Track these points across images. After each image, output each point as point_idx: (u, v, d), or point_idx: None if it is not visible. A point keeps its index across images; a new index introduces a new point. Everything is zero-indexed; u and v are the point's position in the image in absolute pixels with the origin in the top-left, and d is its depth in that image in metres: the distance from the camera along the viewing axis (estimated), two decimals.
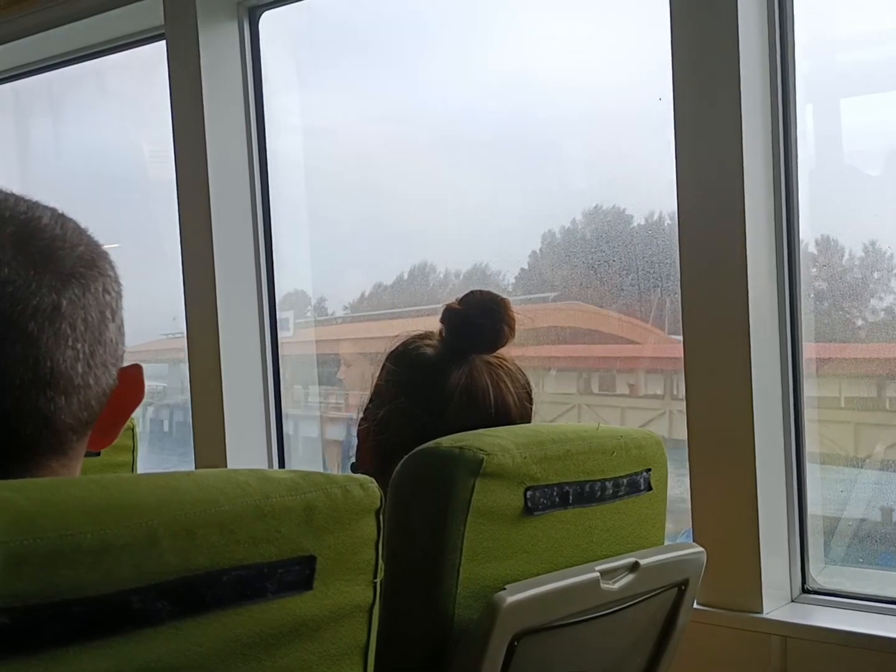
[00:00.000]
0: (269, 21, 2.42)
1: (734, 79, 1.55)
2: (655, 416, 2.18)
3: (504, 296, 1.31)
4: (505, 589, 1.04)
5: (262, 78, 2.37)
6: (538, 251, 2.41)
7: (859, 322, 1.93)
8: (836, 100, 1.97)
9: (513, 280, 2.47)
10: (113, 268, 0.74)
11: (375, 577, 0.78)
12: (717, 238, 1.58)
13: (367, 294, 2.68)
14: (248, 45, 2.35)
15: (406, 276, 2.57)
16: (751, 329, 1.55)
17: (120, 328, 0.74)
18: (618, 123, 2.15)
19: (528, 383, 1.34)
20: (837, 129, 2.01)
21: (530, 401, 1.34)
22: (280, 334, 2.47)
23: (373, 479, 0.77)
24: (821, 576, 1.68)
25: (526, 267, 2.43)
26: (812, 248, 1.94)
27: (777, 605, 1.62)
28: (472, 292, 1.31)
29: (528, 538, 1.14)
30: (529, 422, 1.33)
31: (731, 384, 1.56)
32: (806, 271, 1.68)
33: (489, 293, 1.30)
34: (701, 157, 1.59)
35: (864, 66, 2.03)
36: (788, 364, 1.62)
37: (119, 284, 0.75)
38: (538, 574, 1.13)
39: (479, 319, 1.28)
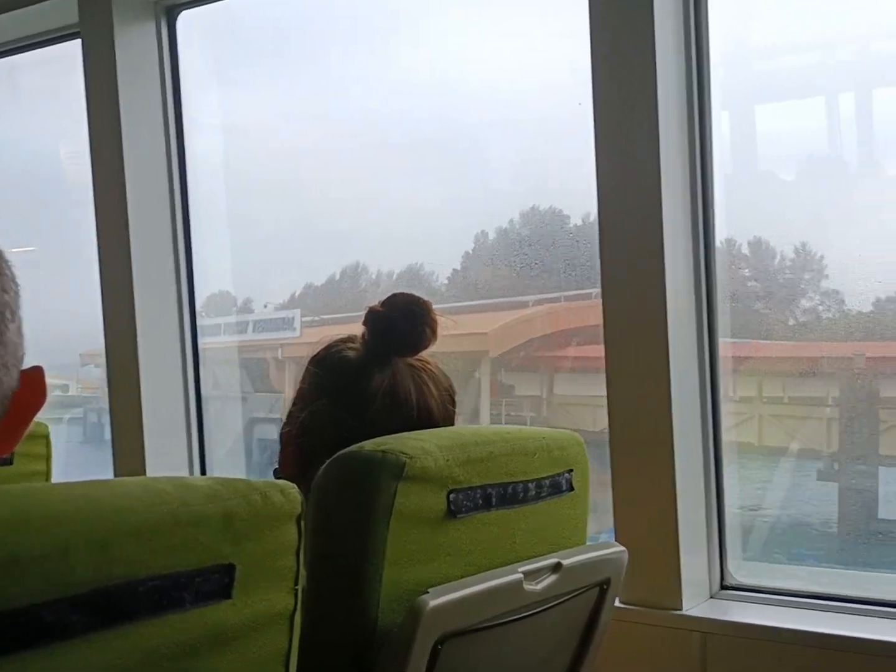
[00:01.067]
0: (188, 21, 2.38)
1: (651, 85, 1.58)
2: None
3: (456, 295, 1.31)
4: (428, 592, 1.03)
5: (179, 77, 2.33)
6: (471, 252, 2.43)
7: (791, 322, 2.00)
8: (750, 106, 2.03)
9: (445, 281, 2.48)
10: (10, 268, 0.72)
11: (296, 584, 0.78)
12: (636, 240, 1.61)
13: (297, 295, 2.66)
14: (166, 44, 2.31)
15: (338, 277, 2.56)
16: (669, 329, 1.58)
17: (19, 329, 0.72)
18: (543, 126, 2.17)
19: (452, 386, 1.34)
20: (752, 135, 2.07)
21: (453, 403, 1.34)
22: (286, 335, 2.43)
23: (294, 485, 0.76)
24: (739, 571, 1.73)
25: (458, 267, 2.45)
26: (745, 250, 2.00)
27: (697, 602, 1.65)
28: (394, 295, 1.31)
29: (451, 541, 1.14)
30: (452, 424, 1.33)
31: (651, 384, 1.59)
32: (723, 272, 1.72)
33: (412, 296, 1.30)
34: (620, 161, 1.62)
35: (778, 73, 2.09)
36: (706, 363, 1.66)
37: (17, 285, 0.72)
38: (462, 577, 1.13)
39: (401, 322, 1.27)
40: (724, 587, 1.71)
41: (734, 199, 1.83)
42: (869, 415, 1.92)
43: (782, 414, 2.05)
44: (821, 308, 2.01)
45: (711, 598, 1.69)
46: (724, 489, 1.69)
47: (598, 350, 1.70)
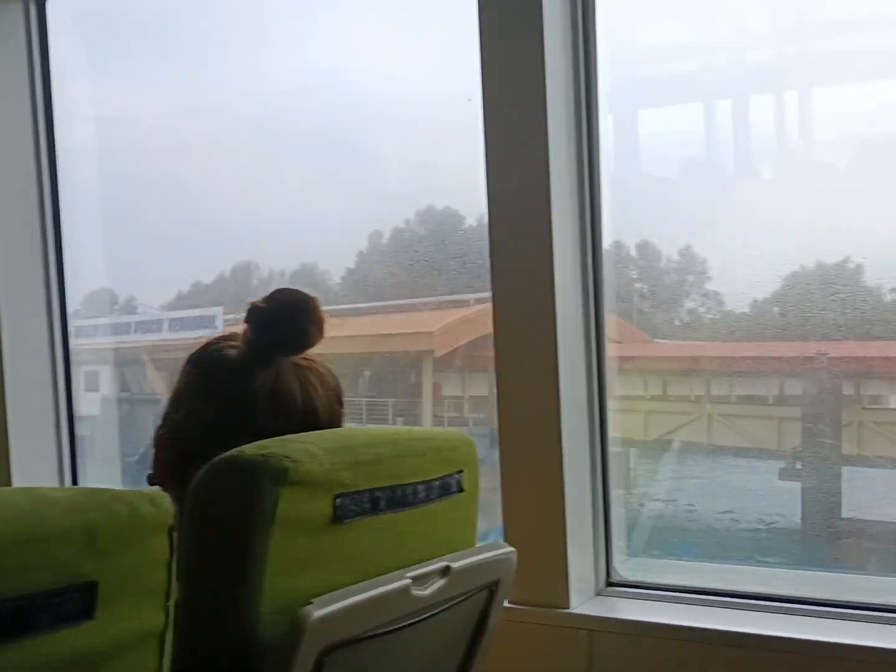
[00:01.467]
0: (59, 6, 2.26)
1: (540, 87, 1.58)
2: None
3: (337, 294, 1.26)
4: (311, 603, 0.99)
5: (49, 65, 2.21)
6: (365, 251, 2.39)
7: (676, 322, 2.04)
8: (634, 110, 2.06)
9: (339, 280, 2.44)
10: None
11: (168, 600, 0.73)
12: (526, 241, 1.61)
13: (184, 293, 2.58)
14: (35, 30, 2.19)
15: (227, 275, 2.49)
16: (557, 330, 1.58)
17: None
18: (439, 125, 2.16)
19: (339, 386, 1.30)
20: (635, 139, 2.10)
21: (340, 404, 1.30)
22: (207, 333, 2.33)
23: (165, 494, 0.71)
24: (623, 567, 1.74)
25: (352, 266, 2.41)
26: (633, 252, 2.03)
27: (583, 600, 1.66)
28: (278, 290, 1.25)
29: (337, 547, 1.10)
30: (340, 426, 1.29)
31: (540, 383, 1.59)
32: (610, 273, 1.74)
33: (297, 291, 1.25)
34: (509, 163, 1.62)
35: (659, 79, 2.14)
36: (594, 362, 1.67)
37: None
38: (349, 584, 1.09)
39: (286, 319, 1.22)
40: (609, 584, 1.72)
41: (620, 202, 1.85)
42: (747, 411, 1.98)
43: (666, 410, 2.09)
44: (702, 310, 2.06)
45: (597, 595, 1.70)
46: (610, 486, 1.70)
47: None
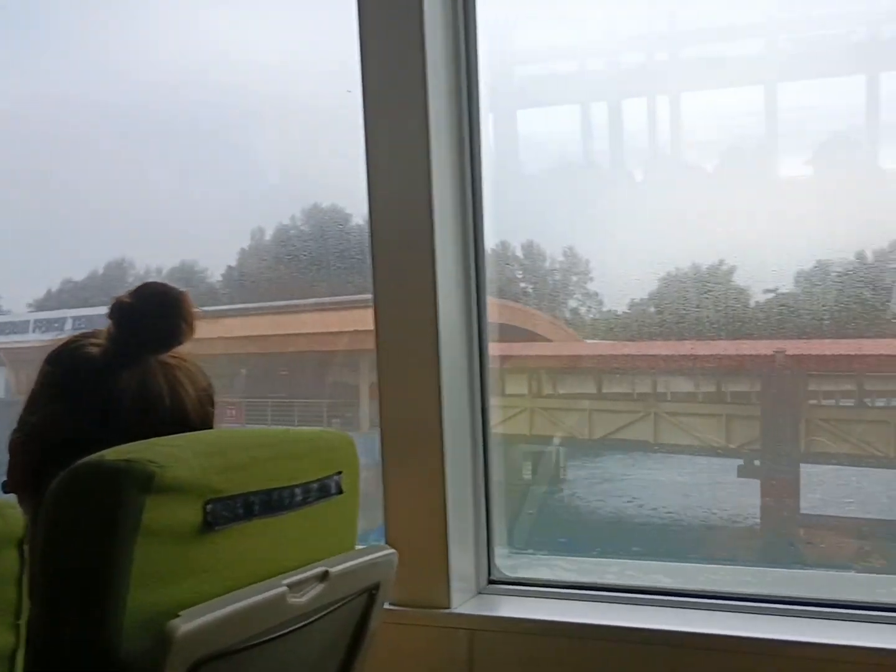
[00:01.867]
0: None
1: (420, 87, 1.55)
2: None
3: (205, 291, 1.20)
4: (179, 616, 0.93)
5: None
6: (247, 248, 2.32)
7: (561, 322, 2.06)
8: (513, 111, 2.07)
9: (220, 278, 2.35)
10: None
11: (18, 618, 0.67)
12: (407, 239, 1.58)
13: (53, 290, 2.46)
14: None
15: (101, 272, 2.38)
16: (439, 327, 1.56)
17: None
18: (328, 123, 2.12)
19: (211, 385, 1.24)
20: (515, 139, 2.11)
21: (212, 404, 1.24)
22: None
23: (14, 504, 0.65)
24: (506, 564, 1.74)
25: (234, 264, 2.33)
26: (518, 252, 2.04)
27: (465, 599, 1.65)
28: (145, 284, 1.18)
29: (209, 556, 1.04)
30: (211, 427, 1.23)
31: (422, 383, 1.57)
32: (493, 272, 1.73)
33: (164, 285, 1.18)
34: (390, 163, 1.59)
35: (538, 80, 2.15)
36: (476, 361, 1.65)
37: None
38: (221, 594, 1.03)
39: (153, 315, 1.15)
40: (491, 582, 1.71)
41: (501, 201, 1.85)
42: (619, 406, 2.03)
43: (551, 407, 2.11)
44: (583, 309, 2.09)
45: (479, 593, 1.69)
46: (492, 484, 1.69)
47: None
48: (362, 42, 1.58)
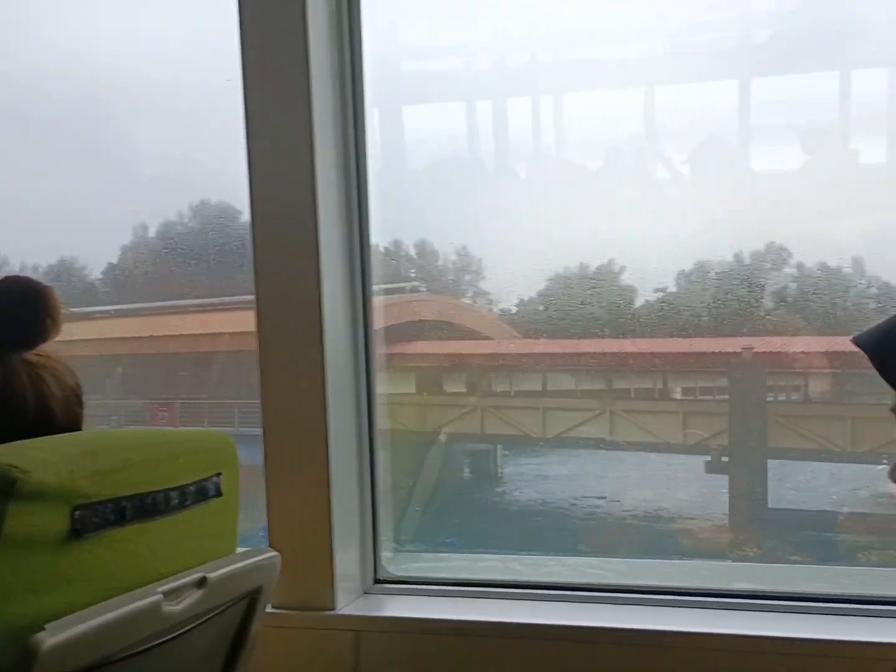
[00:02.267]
0: None
1: (304, 81, 1.51)
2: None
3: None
4: (44, 629, 0.88)
5: None
6: (129, 245, 2.27)
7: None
8: (399, 107, 2.05)
9: (100, 275, 2.29)
10: None
11: None
12: (291, 236, 1.54)
13: None
14: None
15: None
16: (324, 327, 1.53)
17: None
18: (216, 120, 2.06)
19: (79, 385, 1.18)
20: (400, 135, 2.09)
21: (81, 405, 1.17)
22: None
23: None
24: (391, 564, 1.72)
25: (115, 261, 2.28)
26: (412, 252, 2.03)
27: (350, 600, 1.62)
28: (5, 278, 1.11)
29: (77, 565, 0.99)
30: (80, 429, 1.17)
31: (306, 382, 1.53)
32: (378, 269, 1.71)
33: (27, 280, 1.12)
34: (272, 160, 1.54)
35: (424, 76, 2.14)
36: (362, 360, 1.63)
37: None
38: (93, 604, 0.98)
39: (14, 310, 1.09)
40: (377, 581, 1.70)
41: (388, 199, 1.83)
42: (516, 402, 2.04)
43: (441, 404, 2.12)
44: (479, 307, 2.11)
45: (365, 594, 1.67)
46: (378, 483, 1.68)
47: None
48: (242, 29, 1.53)
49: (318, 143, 1.54)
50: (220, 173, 2.09)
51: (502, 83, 2.11)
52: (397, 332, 1.95)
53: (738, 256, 1.89)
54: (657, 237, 1.97)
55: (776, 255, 1.90)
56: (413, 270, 2.06)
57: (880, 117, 1.86)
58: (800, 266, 1.88)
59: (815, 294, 1.84)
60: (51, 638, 0.88)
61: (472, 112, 2.12)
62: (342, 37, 1.61)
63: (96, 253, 2.28)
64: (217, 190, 2.13)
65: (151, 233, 2.26)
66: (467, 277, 2.08)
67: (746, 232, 1.88)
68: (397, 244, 1.97)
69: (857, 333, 0.88)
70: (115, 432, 1.17)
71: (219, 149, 2.04)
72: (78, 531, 0.97)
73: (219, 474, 1.20)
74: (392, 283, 1.85)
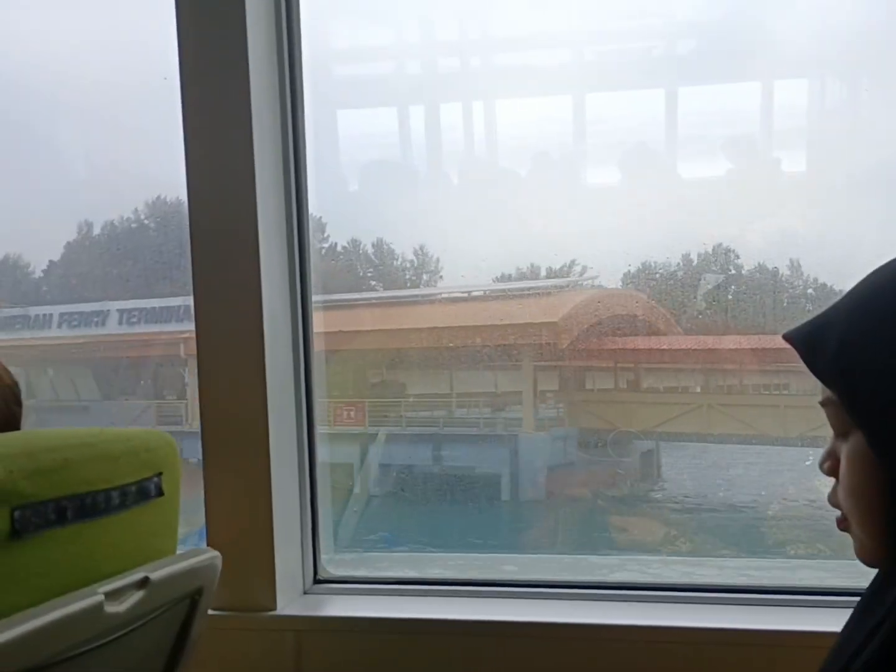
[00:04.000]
0: None
1: (244, 88, 1.51)
2: None
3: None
4: None
5: None
6: (72, 242, 2.25)
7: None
8: (333, 111, 2.06)
9: (41, 273, 2.27)
10: None
11: None
12: (230, 235, 1.53)
13: None
14: None
15: None
16: (264, 325, 1.52)
17: None
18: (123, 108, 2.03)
19: (17, 384, 1.16)
20: (335, 138, 2.10)
21: (18, 403, 1.16)
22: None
23: None
24: (331, 564, 1.72)
25: (56, 259, 2.26)
26: (369, 251, 2.04)
27: (291, 600, 1.62)
28: None
29: (16, 566, 0.97)
30: (18, 428, 1.15)
31: (245, 379, 1.53)
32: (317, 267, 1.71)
33: None
34: (210, 163, 1.53)
35: (356, 80, 2.16)
36: (300, 356, 1.63)
37: None
38: (32, 606, 0.96)
39: None
40: (317, 581, 1.69)
41: (323, 198, 1.84)
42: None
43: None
44: None
45: (305, 593, 1.67)
46: (318, 483, 1.68)
47: None
48: (180, 34, 1.52)
49: (257, 142, 1.53)
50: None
51: (434, 88, 2.13)
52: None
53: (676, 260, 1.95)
54: (588, 242, 2.02)
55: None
56: (370, 269, 2.08)
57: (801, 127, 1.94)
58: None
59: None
60: None
61: (404, 116, 2.14)
62: (281, 42, 1.60)
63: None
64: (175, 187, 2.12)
65: (97, 230, 2.23)
66: (425, 277, 2.11)
67: (680, 236, 1.94)
68: (354, 243, 1.99)
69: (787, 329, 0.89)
70: (54, 431, 1.15)
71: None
72: (18, 532, 0.96)
73: (160, 474, 1.19)
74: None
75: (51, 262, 2.28)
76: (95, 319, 2.32)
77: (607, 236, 1.97)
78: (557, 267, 2.03)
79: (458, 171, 2.22)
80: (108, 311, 2.31)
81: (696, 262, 1.95)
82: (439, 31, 2.11)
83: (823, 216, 1.92)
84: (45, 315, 2.31)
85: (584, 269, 2.00)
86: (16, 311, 2.30)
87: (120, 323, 2.30)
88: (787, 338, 0.88)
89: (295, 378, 1.62)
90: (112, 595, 1.05)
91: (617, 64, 2.06)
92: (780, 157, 1.98)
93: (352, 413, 2.14)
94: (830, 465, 0.88)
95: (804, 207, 1.94)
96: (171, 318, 2.26)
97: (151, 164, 2.15)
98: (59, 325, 2.31)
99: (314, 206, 1.70)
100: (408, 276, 2.18)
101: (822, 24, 1.81)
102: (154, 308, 2.28)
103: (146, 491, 1.16)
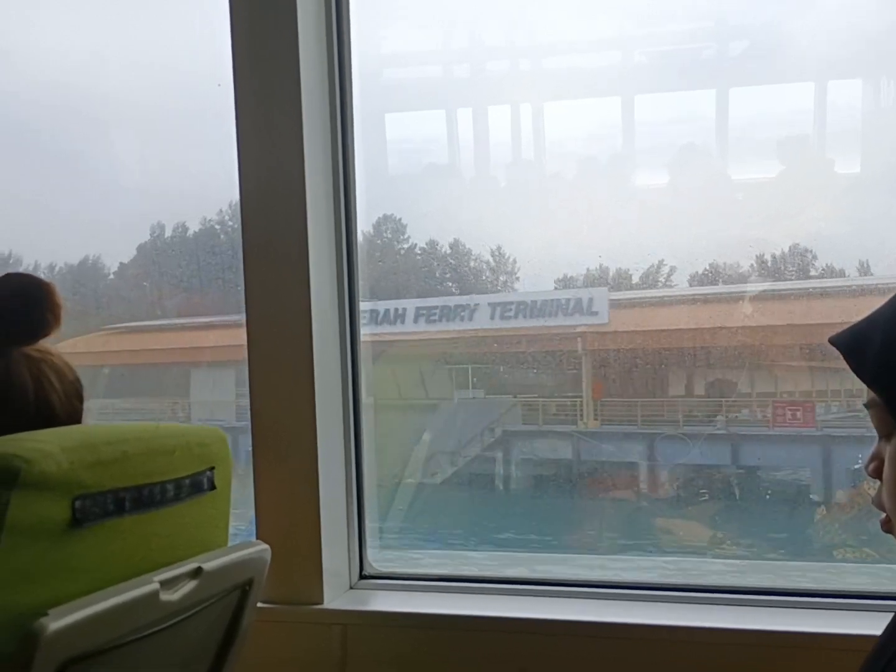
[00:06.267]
0: None
1: (296, 99, 1.54)
2: None
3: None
4: (47, 615, 0.90)
5: None
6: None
7: None
8: (381, 114, 2.09)
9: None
10: None
11: None
12: (281, 241, 1.57)
13: None
14: None
15: None
16: (313, 325, 1.56)
17: None
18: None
19: (79, 380, 1.20)
20: (383, 142, 2.13)
21: (80, 399, 1.20)
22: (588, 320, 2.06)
23: None
24: (377, 560, 1.75)
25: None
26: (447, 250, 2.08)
27: (337, 595, 1.65)
28: (7, 275, 1.14)
29: (77, 554, 1.01)
30: (80, 422, 1.19)
31: (294, 377, 1.56)
32: (366, 270, 1.74)
33: (29, 276, 1.14)
34: (264, 169, 1.56)
35: (405, 84, 2.18)
36: (348, 359, 1.66)
37: None
38: (91, 593, 1.01)
39: (16, 306, 1.11)
40: (363, 577, 1.72)
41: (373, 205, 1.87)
42: None
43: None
44: None
45: (351, 588, 1.70)
46: (365, 480, 1.70)
47: None
48: (234, 44, 1.56)
49: (308, 148, 1.56)
50: None
51: (483, 91, 2.15)
52: None
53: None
54: (635, 245, 2.02)
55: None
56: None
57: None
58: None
59: None
60: (54, 623, 0.91)
61: (451, 120, 2.16)
62: (331, 46, 1.63)
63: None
64: None
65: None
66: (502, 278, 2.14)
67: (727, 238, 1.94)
68: (432, 244, 2.03)
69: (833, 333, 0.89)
70: (112, 426, 1.19)
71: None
72: (79, 521, 1.00)
73: (212, 468, 1.23)
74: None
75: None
76: (462, 314, 2.27)
77: (684, 236, 1.98)
78: (646, 268, 2.04)
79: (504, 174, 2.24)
80: (477, 304, 2.25)
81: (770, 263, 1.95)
82: (488, 36, 2.12)
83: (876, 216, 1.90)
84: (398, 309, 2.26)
85: (672, 269, 2.00)
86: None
87: (492, 318, 2.24)
88: (833, 341, 0.88)
89: (342, 378, 1.65)
90: (167, 584, 1.09)
91: (667, 66, 2.06)
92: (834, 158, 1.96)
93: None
94: (875, 467, 0.88)
95: (856, 208, 1.92)
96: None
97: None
98: (416, 321, 2.27)
99: (364, 209, 1.73)
100: (485, 277, 2.19)
101: (872, 25, 1.79)
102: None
103: (199, 484, 1.20)
